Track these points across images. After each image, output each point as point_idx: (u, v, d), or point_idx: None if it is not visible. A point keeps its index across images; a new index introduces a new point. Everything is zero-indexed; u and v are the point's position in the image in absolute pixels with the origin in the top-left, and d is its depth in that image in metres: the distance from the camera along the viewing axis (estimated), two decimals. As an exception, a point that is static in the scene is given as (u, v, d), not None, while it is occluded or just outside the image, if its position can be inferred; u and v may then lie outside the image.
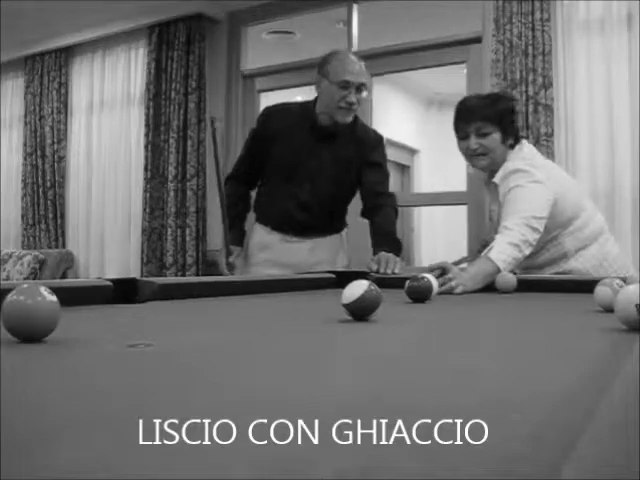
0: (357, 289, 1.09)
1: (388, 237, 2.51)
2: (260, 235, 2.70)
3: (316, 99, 2.59)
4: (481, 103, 2.29)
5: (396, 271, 2.18)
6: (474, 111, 2.26)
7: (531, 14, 3.68)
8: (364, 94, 2.49)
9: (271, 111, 2.66)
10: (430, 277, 1.58)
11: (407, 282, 1.53)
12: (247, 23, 4.98)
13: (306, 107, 2.61)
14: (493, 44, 3.80)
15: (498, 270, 1.95)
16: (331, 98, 2.47)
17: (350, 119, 2.52)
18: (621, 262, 2.33)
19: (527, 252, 2.06)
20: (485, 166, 2.30)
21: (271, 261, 2.63)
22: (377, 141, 2.65)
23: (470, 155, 2.29)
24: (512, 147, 2.27)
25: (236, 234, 2.63)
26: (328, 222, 2.70)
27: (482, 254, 2.05)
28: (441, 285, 1.82)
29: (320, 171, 2.57)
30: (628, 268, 2.32)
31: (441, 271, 1.92)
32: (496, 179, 2.25)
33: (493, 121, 2.23)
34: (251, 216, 2.80)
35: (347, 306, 1.10)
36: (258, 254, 2.67)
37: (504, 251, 2.00)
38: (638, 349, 0.78)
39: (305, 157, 2.56)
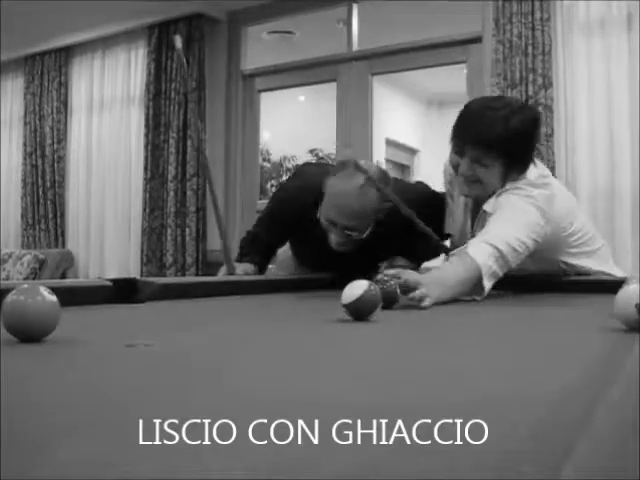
0: (357, 289, 1.09)
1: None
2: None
3: None
4: (490, 120, 1.70)
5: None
6: (476, 130, 1.72)
7: (531, 14, 3.68)
8: (354, 234, 1.97)
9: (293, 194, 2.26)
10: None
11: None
12: (247, 23, 4.98)
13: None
14: (493, 44, 3.80)
15: (479, 273, 1.57)
16: (324, 228, 2.02)
17: (349, 250, 2.02)
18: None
19: (511, 258, 1.65)
20: (473, 196, 1.87)
21: None
22: (399, 227, 1.99)
23: (460, 177, 1.80)
24: (516, 178, 1.77)
25: (259, 259, 2.25)
26: None
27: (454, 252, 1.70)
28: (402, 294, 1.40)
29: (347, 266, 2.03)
30: None
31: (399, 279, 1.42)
32: (487, 207, 1.79)
33: (499, 151, 1.70)
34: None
35: (347, 306, 1.10)
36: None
37: (483, 250, 1.61)
38: (638, 349, 0.78)
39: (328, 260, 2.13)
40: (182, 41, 2.12)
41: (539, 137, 1.78)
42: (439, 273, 1.61)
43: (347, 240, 1.98)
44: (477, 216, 1.89)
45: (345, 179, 1.93)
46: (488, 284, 1.59)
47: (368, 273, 1.61)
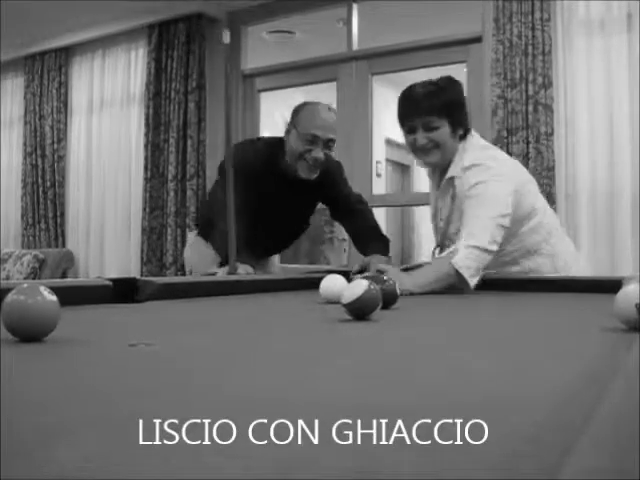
0: (357, 289, 1.09)
1: (374, 233, 2.48)
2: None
3: (282, 141, 2.43)
4: (427, 93, 2.05)
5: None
6: (420, 103, 2.05)
7: (531, 14, 3.68)
8: (332, 152, 2.38)
9: (237, 148, 2.53)
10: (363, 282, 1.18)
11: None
12: (247, 23, 4.98)
13: (272, 153, 2.42)
14: (493, 44, 3.80)
15: (455, 274, 1.85)
16: (296, 150, 2.32)
17: (314, 176, 2.36)
18: (575, 261, 2.26)
19: (495, 249, 1.93)
20: (435, 162, 2.12)
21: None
22: (338, 167, 2.58)
23: (418, 151, 2.09)
24: (462, 138, 2.09)
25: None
26: (282, 248, 2.86)
27: (439, 256, 1.99)
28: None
29: (284, 217, 2.48)
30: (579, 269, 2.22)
31: (376, 275, 1.68)
32: (452, 172, 2.08)
33: (441, 113, 2.03)
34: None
35: (347, 306, 1.10)
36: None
37: (469, 255, 1.87)
38: (638, 349, 0.78)
39: (268, 204, 2.40)
40: (229, 35, 2.27)
41: (467, 102, 2.16)
42: (420, 271, 1.94)
43: (322, 162, 2.32)
44: (441, 185, 2.16)
45: (313, 103, 2.42)
46: (472, 280, 1.89)
47: (296, 234, 2.67)
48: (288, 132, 2.40)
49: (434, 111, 2.03)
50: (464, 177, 2.03)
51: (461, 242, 1.91)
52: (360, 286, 1.10)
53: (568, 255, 2.23)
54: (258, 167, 2.39)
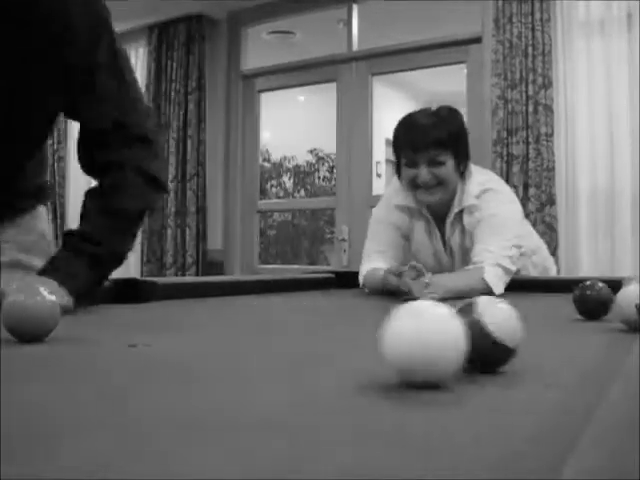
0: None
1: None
2: None
3: None
4: (432, 125, 1.88)
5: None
6: (426, 135, 1.87)
7: (531, 14, 3.68)
8: None
9: None
10: None
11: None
12: (247, 23, 4.98)
13: None
14: (493, 44, 3.80)
15: (484, 290, 1.75)
16: None
17: None
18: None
19: (514, 269, 1.90)
20: (437, 201, 1.94)
21: None
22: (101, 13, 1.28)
23: (420, 188, 1.91)
24: (462, 175, 1.94)
25: None
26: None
27: (466, 268, 1.87)
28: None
29: None
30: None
31: (416, 274, 1.64)
32: (461, 205, 1.94)
33: (447, 147, 1.88)
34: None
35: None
36: None
37: (497, 273, 1.83)
38: (638, 349, 0.78)
39: None
40: None
41: (466, 134, 2.00)
42: (445, 276, 1.80)
43: None
44: (448, 221, 1.99)
45: None
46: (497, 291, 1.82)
47: None
48: None
49: (441, 145, 1.87)
50: (478, 203, 1.93)
51: (487, 261, 1.83)
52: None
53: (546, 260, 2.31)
54: None
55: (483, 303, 0.62)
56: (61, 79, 1.25)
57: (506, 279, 1.86)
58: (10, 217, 1.42)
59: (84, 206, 1.27)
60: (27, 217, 1.47)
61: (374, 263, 1.96)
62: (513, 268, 1.89)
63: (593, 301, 1.10)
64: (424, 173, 1.87)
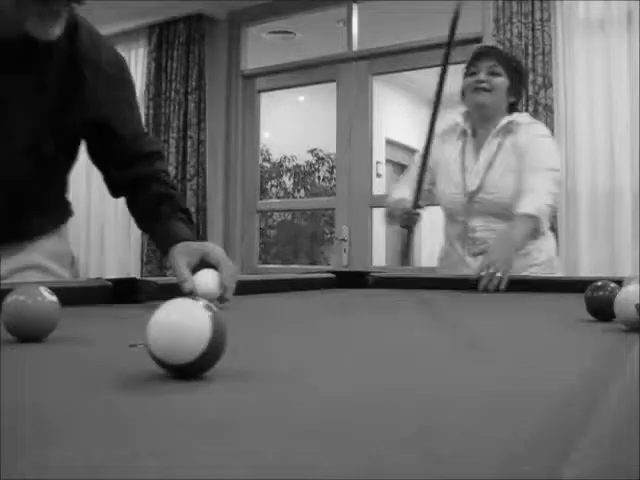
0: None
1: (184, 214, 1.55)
2: None
3: None
4: (499, 48, 2.44)
5: (501, 287, 1.88)
6: (490, 51, 2.35)
7: (531, 14, 3.68)
8: None
9: None
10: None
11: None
12: (247, 23, 4.98)
13: None
14: (493, 44, 3.80)
15: (538, 221, 2.03)
16: None
17: (57, 33, 1.31)
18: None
19: (553, 203, 2.13)
20: (484, 103, 2.27)
21: None
22: (121, 63, 1.60)
23: (474, 88, 2.27)
24: (512, 107, 2.30)
25: None
26: (35, 214, 1.51)
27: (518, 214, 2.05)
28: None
29: (9, 119, 1.38)
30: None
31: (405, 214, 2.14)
32: (508, 120, 2.25)
33: (506, 66, 2.27)
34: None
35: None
36: None
37: (547, 201, 2.06)
38: (638, 349, 0.78)
39: None
40: (459, 8, 2.35)
41: (525, 85, 2.53)
42: (504, 236, 2.07)
43: None
44: (494, 131, 2.27)
45: None
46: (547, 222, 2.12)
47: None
48: None
49: (501, 61, 2.28)
50: (524, 125, 2.23)
51: (526, 197, 2.06)
52: None
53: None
54: None
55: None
56: (101, 111, 1.47)
57: (550, 213, 2.13)
58: (40, 232, 1.56)
59: (156, 217, 1.49)
60: (55, 230, 1.61)
61: (399, 193, 2.38)
62: (555, 205, 2.19)
63: (606, 302, 1.07)
64: (482, 74, 2.26)
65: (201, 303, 0.59)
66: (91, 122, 1.48)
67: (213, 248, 1.41)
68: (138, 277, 1.52)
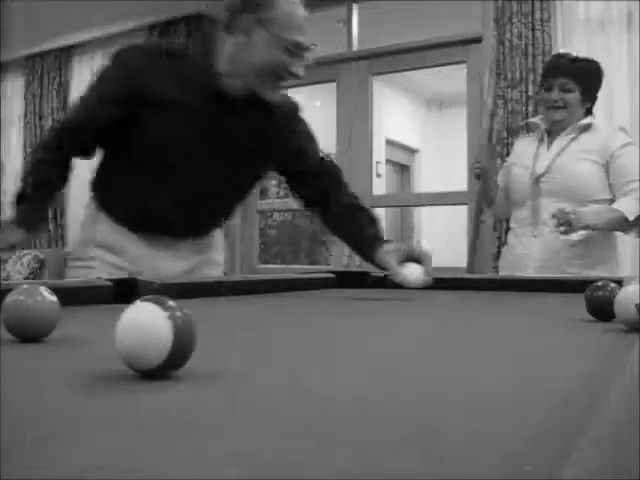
0: None
1: (375, 222, 1.87)
2: (105, 233, 1.87)
3: (209, 50, 1.81)
4: (570, 60, 2.45)
5: (569, 232, 2.24)
6: (561, 66, 2.44)
7: (531, 14, 3.68)
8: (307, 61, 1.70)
9: (144, 61, 1.76)
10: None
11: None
12: (247, 23, 4.98)
13: (203, 65, 1.80)
14: (493, 44, 3.79)
15: (626, 220, 2.25)
16: (269, 60, 1.63)
17: (278, 98, 1.74)
18: None
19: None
20: (559, 120, 2.43)
21: (117, 266, 1.84)
22: (296, 107, 1.92)
23: (549, 107, 2.43)
24: (588, 112, 2.44)
25: (30, 213, 1.75)
26: (218, 222, 2.02)
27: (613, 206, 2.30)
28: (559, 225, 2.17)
29: (223, 154, 1.77)
30: None
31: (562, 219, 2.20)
32: (587, 121, 2.41)
33: (577, 79, 2.39)
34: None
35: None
36: (103, 255, 1.86)
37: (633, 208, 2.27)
38: (638, 349, 0.78)
39: (198, 136, 1.73)
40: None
41: (600, 85, 2.51)
42: (598, 209, 2.28)
43: (299, 71, 1.66)
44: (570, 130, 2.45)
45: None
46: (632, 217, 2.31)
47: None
48: (244, 32, 1.65)
49: (571, 76, 2.39)
50: (613, 139, 2.38)
51: (632, 196, 2.29)
52: None
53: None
54: (179, 83, 1.74)
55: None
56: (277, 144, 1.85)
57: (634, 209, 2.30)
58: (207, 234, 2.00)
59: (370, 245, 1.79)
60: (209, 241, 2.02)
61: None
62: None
63: (606, 302, 1.06)
64: (555, 93, 2.41)
65: (160, 309, 0.62)
66: (284, 155, 1.87)
67: (411, 245, 1.82)
68: (138, 277, 1.52)
